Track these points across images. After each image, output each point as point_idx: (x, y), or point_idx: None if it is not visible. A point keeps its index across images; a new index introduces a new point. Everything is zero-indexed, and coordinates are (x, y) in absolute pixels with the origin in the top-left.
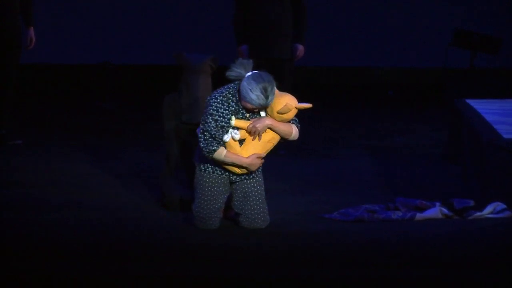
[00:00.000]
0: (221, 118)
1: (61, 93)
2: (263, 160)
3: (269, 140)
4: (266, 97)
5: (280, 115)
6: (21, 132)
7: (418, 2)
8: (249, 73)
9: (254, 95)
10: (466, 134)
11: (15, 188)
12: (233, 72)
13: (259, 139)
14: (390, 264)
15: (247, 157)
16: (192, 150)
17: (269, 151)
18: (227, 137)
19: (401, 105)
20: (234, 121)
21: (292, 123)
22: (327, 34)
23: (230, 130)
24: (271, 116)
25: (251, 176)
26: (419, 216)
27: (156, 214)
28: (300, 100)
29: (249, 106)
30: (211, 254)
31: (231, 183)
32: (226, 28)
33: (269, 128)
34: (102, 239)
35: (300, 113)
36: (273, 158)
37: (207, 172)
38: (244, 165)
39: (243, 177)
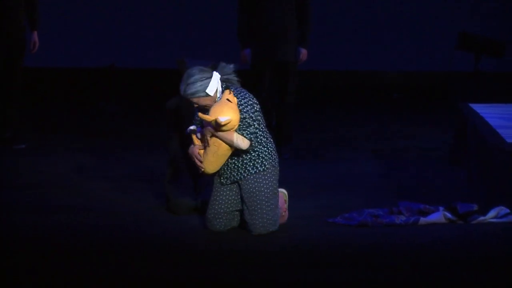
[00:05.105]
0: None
1: (66, 96)
2: (198, 160)
3: (213, 143)
4: (180, 85)
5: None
6: (26, 135)
7: (423, 6)
8: None
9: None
10: (471, 138)
11: (18, 190)
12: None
13: (208, 142)
14: (392, 268)
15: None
16: None
17: (216, 154)
18: (192, 127)
19: (406, 109)
20: (199, 114)
21: (245, 135)
22: (332, 38)
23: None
24: None
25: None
26: (423, 220)
27: (159, 217)
28: (305, 102)
29: None
30: (212, 256)
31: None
32: (232, 33)
33: (211, 132)
34: (104, 241)
35: (307, 115)
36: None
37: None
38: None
39: (228, 180)
